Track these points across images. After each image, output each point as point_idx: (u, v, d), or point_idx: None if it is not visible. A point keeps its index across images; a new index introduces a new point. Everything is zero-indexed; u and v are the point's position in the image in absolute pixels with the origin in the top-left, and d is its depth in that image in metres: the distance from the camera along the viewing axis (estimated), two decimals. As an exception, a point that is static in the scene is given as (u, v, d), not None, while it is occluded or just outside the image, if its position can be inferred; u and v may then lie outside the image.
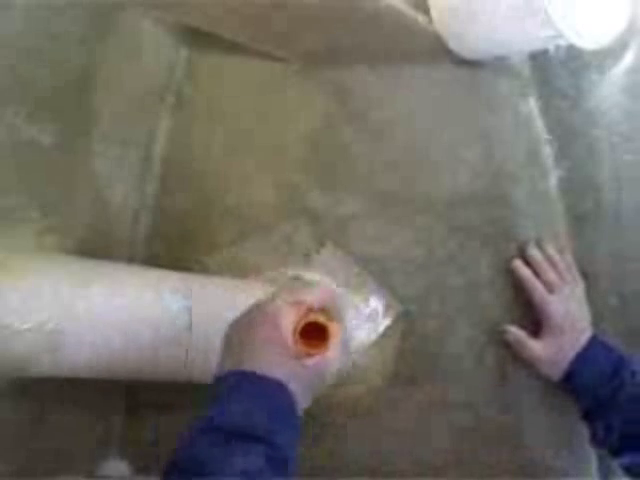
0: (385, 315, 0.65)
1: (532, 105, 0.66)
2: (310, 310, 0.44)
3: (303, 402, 0.42)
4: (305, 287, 0.44)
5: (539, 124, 0.66)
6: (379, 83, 0.65)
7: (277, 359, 0.41)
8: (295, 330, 0.42)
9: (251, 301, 0.57)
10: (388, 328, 0.65)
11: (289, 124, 0.66)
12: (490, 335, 0.66)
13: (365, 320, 0.65)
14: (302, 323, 0.42)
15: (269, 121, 0.66)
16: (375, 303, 0.66)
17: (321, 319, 0.43)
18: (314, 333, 0.42)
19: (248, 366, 0.41)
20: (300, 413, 0.42)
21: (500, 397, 0.66)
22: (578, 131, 0.66)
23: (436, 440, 0.66)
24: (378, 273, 0.65)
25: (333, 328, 0.43)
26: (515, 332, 0.64)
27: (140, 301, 0.52)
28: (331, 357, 0.43)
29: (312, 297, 0.45)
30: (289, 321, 0.43)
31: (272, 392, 0.40)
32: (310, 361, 0.42)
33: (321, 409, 0.64)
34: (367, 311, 0.65)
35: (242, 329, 0.44)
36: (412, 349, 0.66)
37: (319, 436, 0.66)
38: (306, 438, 0.63)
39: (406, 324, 0.66)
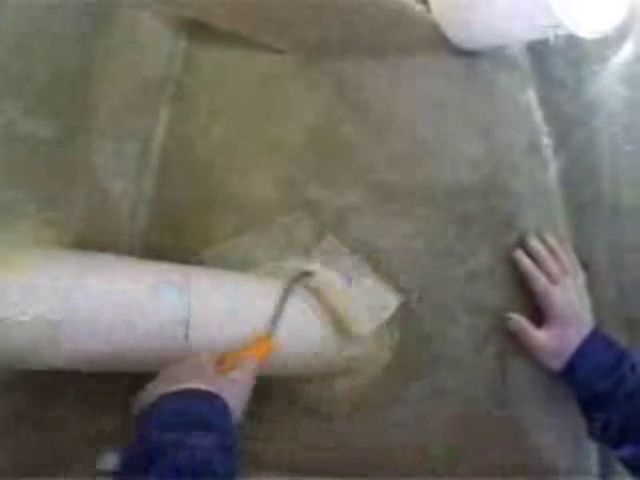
0: (385, 306, 0.65)
1: (531, 96, 0.65)
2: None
3: (235, 409, 0.47)
4: None
5: (538, 115, 0.65)
6: (379, 74, 0.64)
7: (199, 373, 0.48)
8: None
9: (249, 294, 0.58)
10: (388, 319, 0.65)
11: (289, 116, 0.66)
12: (490, 326, 0.66)
13: (365, 311, 0.65)
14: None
15: (269, 113, 0.66)
16: (375, 296, 0.66)
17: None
18: None
19: (178, 387, 0.46)
20: (236, 418, 0.47)
21: (500, 389, 0.66)
22: (577, 122, 0.65)
23: (436, 433, 0.66)
24: (378, 264, 0.65)
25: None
26: (519, 320, 0.64)
27: (138, 294, 0.53)
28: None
29: None
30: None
31: (205, 397, 0.45)
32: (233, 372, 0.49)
33: (325, 401, 0.67)
34: (367, 302, 0.65)
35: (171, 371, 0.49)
36: (412, 340, 0.66)
37: (322, 429, 0.67)
38: (309, 432, 0.66)
39: (406, 315, 0.66)
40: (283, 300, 0.57)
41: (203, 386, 0.46)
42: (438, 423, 0.66)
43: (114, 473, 0.41)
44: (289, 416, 0.67)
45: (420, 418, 0.66)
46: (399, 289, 0.66)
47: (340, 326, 0.62)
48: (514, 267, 0.65)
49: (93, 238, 0.60)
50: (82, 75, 0.58)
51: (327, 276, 0.64)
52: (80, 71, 0.58)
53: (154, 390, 0.46)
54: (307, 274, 0.62)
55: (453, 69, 0.64)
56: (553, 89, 0.65)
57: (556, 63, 0.64)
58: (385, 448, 0.66)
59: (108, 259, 0.55)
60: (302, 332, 0.61)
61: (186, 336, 0.53)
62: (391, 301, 0.66)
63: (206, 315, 0.55)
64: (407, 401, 0.66)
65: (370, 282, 0.66)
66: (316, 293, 0.62)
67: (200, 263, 0.63)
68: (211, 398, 0.45)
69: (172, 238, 0.65)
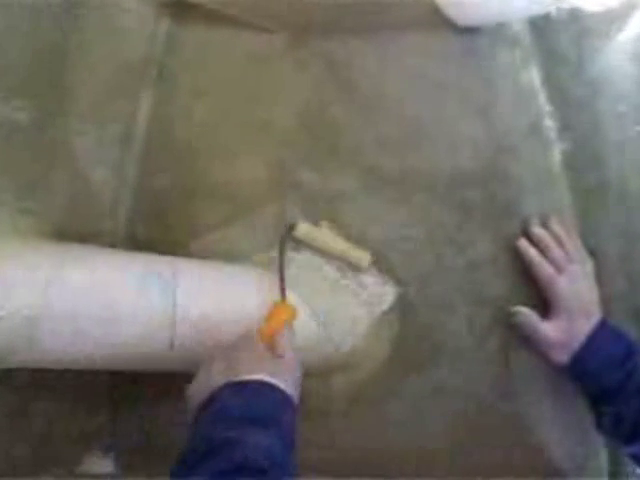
0: (382, 298, 0.64)
1: (533, 75, 0.62)
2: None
3: (293, 391, 0.47)
4: None
5: (541, 95, 0.62)
6: (372, 54, 0.63)
7: (255, 361, 0.47)
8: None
9: (238, 287, 0.57)
10: (386, 312, 0.64)
11: (277, 98, 0.64)
12: (492, 317, 0.64)
13: (362, 304, 0.64)
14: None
15: (256, 95, 0.64)
16: (372, 287, 0.65)
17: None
18: None
19: (232, 377, 0.45)
20: (295, 400, 0.47)
21: (503, 383, 0.65)
22: (582, 102, 0.62)
23: (437, 429, 0.65)
24: (374, 254, 0.64)
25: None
26: (526, 313, 0.62)
27: (121, 287, 0.52)
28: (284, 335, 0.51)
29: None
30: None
31: (260, 389, 0.45)
32: (278, 350, 0.49)
33: (321, 398, 0.66)
34: (364, 295, 0.64)
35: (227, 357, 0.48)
36: (411, 334, 0.65)
37: (320, 426, 0.66)
38: (305, 429, 0.63)
39: (404, 307, 0.65)
40: (282, 257, 0.58)
41: (265, 378, 0.45)
42: (439, 419, 0.65)
43: (171, 469, 0.40)
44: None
45: (420, 414, 0.65)
46: (397, 280, 0.64)
47: (349, 263, 0.62)
48: (517, 256, 0.63)
49: (74, 228, 0.59)
50: (59, 57, 0.56)
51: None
52: (57, 53, 0.56)
53: (211, 380, 0.45)
54: (293, 226, 0.62)
55: (450, 47, 0.62)
56: (556, 67, 0.63)
57: (559, 40, 0.62)
58: (383, 445, 0.65)
59: (89, 250, 0.54)
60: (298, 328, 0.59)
61: (172, 331, 0.52)
62: (389, 293, 0.64)
63: (193, 309, 0.53)
64: (406, 396, 0.65)
65: (366, 273, 0.64)
66: (313, 241, 0.62)
67: (188, 255, 0.61)
68: (273, 391, 0.45)
69: (157, 228, 0.64)
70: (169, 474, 0.39)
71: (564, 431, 0.65)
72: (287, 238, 0.61)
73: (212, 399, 0.44)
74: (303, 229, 0.62)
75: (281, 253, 0.58)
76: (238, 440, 0.39)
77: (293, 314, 0.54)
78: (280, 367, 0.47)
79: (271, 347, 0.49)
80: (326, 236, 0.63)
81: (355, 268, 0.63)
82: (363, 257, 0.62)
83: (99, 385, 0.63)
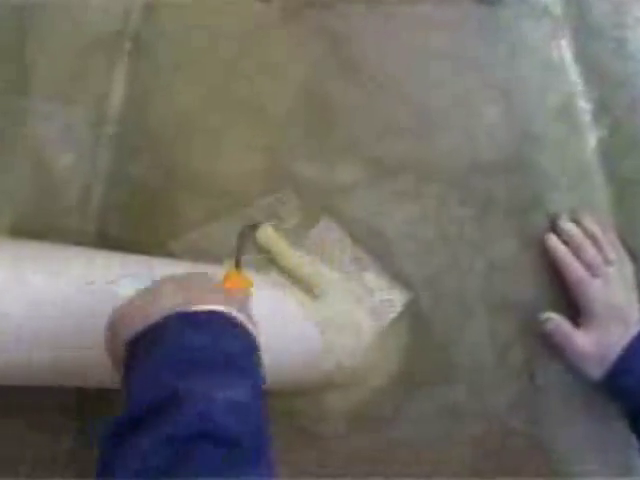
0: (390, 306, 0.62)
1: (564, 50, 0.61)
2: None
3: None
4: None
5: (573, 72, 0.61)
6: (379, 28, 0.61)
7: (212, 291, 0.40)
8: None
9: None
10: (393, 321, 0.61)
11: (271, 77, 0.62)
12: (516, 327, 0.62)
13: (367, 313, 0.61)
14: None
15: (247, 74, 0.62)
16: (378, 292, 0.62)
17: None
18: None
19: (185, 305, 0.37)
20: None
21: (528, 402, 0.62)
22: (621, 79, 0.61)
23: (449, 455, 0.62)
24: (380, 255, 0.62)
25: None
26: (559, 320, 0.59)
27: (90, 289, 0.48)
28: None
29: None
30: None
31: (224, 324, 0.38)
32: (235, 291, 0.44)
33: (316, 417, 0.63)
34: (369, 302, 0.62)
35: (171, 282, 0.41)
36: (422, 345, 0.63)
37: (314, 449, 0.63)
38: (301, 454, 0.62)
39: (415, 316, 0.62)
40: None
41: (227, 309, 0.37)
42: (453, 444, 0.62)
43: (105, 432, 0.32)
44: (277, 436, 0.61)
45: (431, 438, 0.62)
46: (406, 284, 0.62)
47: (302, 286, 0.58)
48: (543, 256, 0.61)
49: (37, 223, 0.58)
50: (21, 32, 0.55)
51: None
52: (18, 28, 0.55)
53: (155, 303, 0.36)
54: (256, 226, 0.59)
55: (469, 19, 0.61)
56: (592, 41, 0.61)
57: (595, 9, 0.60)
58: (386, 468, 0.61)
59: (54, 248, 0.52)
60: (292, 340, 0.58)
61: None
62: (397, 299, 0.62)
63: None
64: (416, 418, 0.62)
65: (372, 276, 0.62)
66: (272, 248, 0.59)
67: (166, 255, 0.59)
68: (238, 327, 0.37)
69: (132, 224, 0.62)
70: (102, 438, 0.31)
71: (601, 458, 0.62)
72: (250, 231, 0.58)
73: (157, 331, 0.35)
74: (265, 234, 0.58)
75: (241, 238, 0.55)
76: (203, 394, 0.32)
77: (249, 285, 0.49)
78: (240, 304, 0.40)
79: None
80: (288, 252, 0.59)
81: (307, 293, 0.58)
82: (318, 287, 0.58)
83: (67, 406, 0.60)
